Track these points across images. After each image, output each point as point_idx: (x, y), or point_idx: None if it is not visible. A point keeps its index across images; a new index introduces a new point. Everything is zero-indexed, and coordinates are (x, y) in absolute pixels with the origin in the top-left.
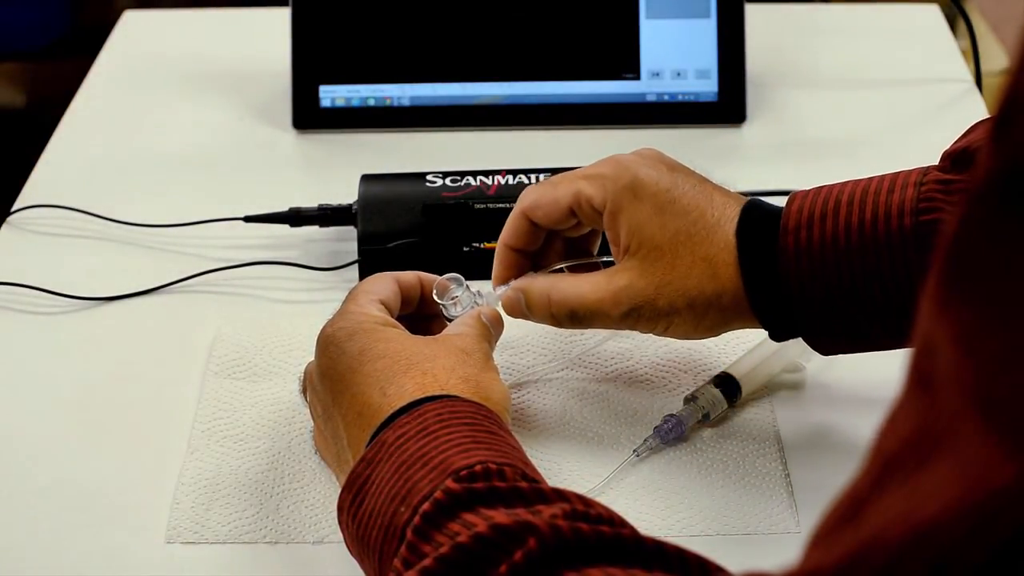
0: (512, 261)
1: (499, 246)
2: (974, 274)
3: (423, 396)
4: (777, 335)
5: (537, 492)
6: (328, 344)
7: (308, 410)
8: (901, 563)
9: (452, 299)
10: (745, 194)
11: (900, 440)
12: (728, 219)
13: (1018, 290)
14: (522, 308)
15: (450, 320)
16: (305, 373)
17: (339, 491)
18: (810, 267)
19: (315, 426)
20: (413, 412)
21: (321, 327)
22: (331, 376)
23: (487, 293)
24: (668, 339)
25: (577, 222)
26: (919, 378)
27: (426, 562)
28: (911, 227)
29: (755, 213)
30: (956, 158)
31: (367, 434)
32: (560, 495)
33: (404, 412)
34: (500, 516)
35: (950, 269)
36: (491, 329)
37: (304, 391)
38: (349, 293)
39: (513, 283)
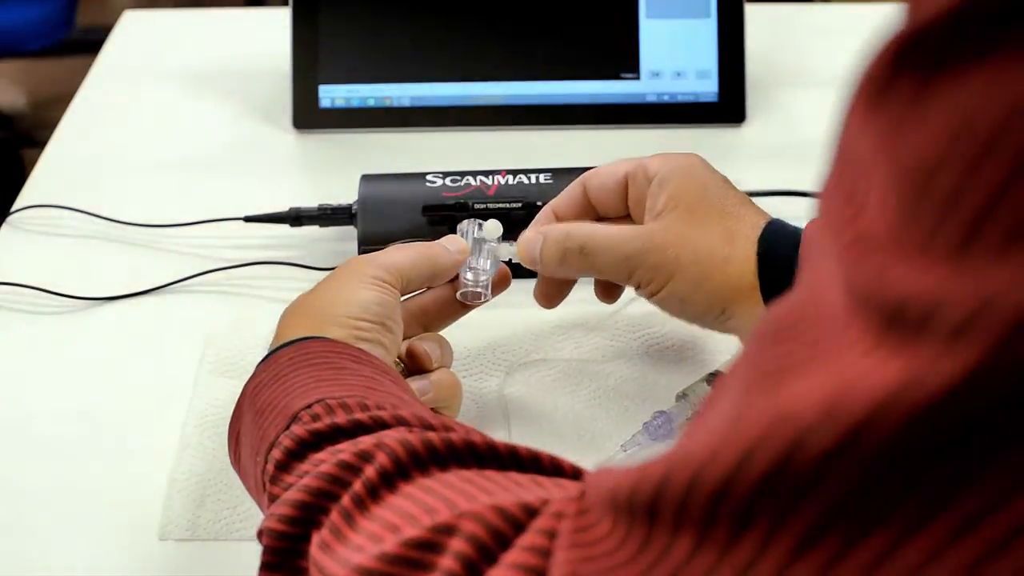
0: (550, 223)
1: (544, 208)
2: (845, 159)
3: (284, 342)
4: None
5: (377, 420)
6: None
7: None
8: (760, 448)
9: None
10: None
11: (784, 320)
12: (762, 215)
13: (866, 184)
14: (535, 252)
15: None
16: None
17: None
18: None
19: None
20: (270, 359)
21: None
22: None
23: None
24: (661, 335)
25: (623, 206)
26: (808, 266)
27: (289, 494)
28: None
29: (782, 224)
30: None
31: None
32: (400, 420)
33: (267, 359)
34: (348, 445)
35: (832, 157)
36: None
37: None
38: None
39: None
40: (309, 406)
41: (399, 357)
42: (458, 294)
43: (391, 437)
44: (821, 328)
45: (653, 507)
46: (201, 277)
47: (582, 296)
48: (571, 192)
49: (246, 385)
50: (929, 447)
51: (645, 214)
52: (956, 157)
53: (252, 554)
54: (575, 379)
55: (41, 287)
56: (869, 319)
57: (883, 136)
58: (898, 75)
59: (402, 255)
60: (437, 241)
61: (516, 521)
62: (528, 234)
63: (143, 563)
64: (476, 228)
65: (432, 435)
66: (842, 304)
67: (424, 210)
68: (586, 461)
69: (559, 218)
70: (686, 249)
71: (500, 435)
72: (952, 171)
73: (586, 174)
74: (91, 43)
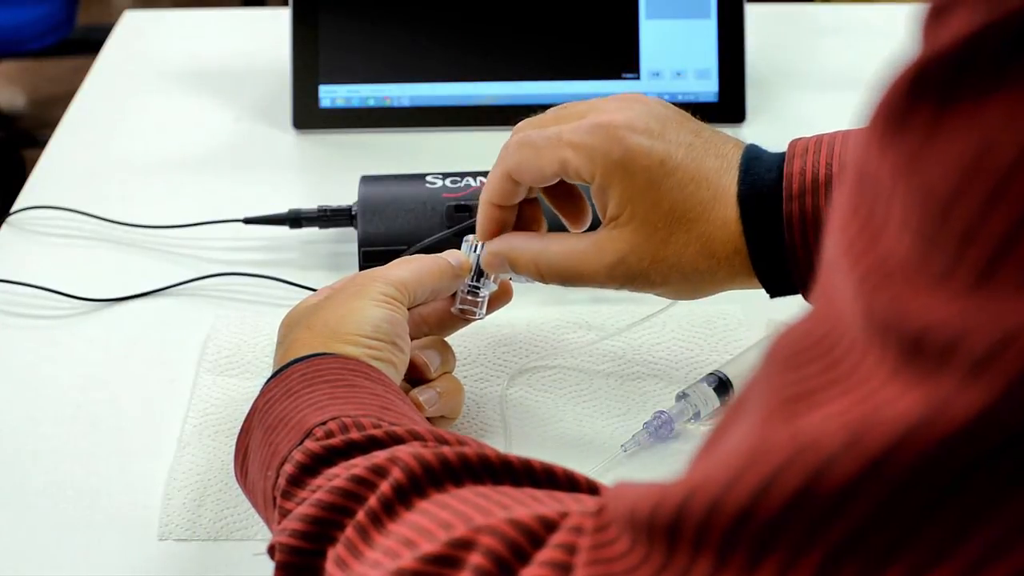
0: (497, 217)
1: (483, 203)
2: (861, 185)
3: (295, 358)
4: (775, 293)
5: (392, 436)
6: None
7: None
8: (782, 475)
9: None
10: None
11: (800, 342)
12: (725, 189)
13: (885, 212)
14: (505, 268)
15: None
16: None
17: None
18: (816, 235)
19: None
20: (281, 375)
21: None
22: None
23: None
24: (661, 335)
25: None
26: (823, 290)
27: (302, 508)
28: None
29: (753, 176)
30: None
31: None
32: (415, 435)
33: (277, 375)
34: (362, 460)
35: (846, 180)
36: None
37: None
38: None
39: (489, 244)
40: (324, 423)
41: None
42: (453, 309)
43: (405, 452)
44: (838, 354)
45: (673, 529)
46: (200, 280)
47: (582, 297)
48: (500, 186)
49: (255, 401)
50: (951, 478)
51: (599, 211)
52: (975, 187)
53: (252, 554)
54: (574, 379)
55: (41, 286)
56: (888, 347)
57: (901, 165)
58: (915, 104)
59: (409, 270)
60: (443, 255)
61: (534, 535)
62: (492, 261)
63: (143, 563)
64: (480, 245)
65: (446, 450)
66: (860, 330)
67: (447, 211)
68: (587, 462)
69: (498, 208)
70: (671, 271)
71: (499, 437)
72: (972, 201)
73: (510, 167)
74: (91, 43)
